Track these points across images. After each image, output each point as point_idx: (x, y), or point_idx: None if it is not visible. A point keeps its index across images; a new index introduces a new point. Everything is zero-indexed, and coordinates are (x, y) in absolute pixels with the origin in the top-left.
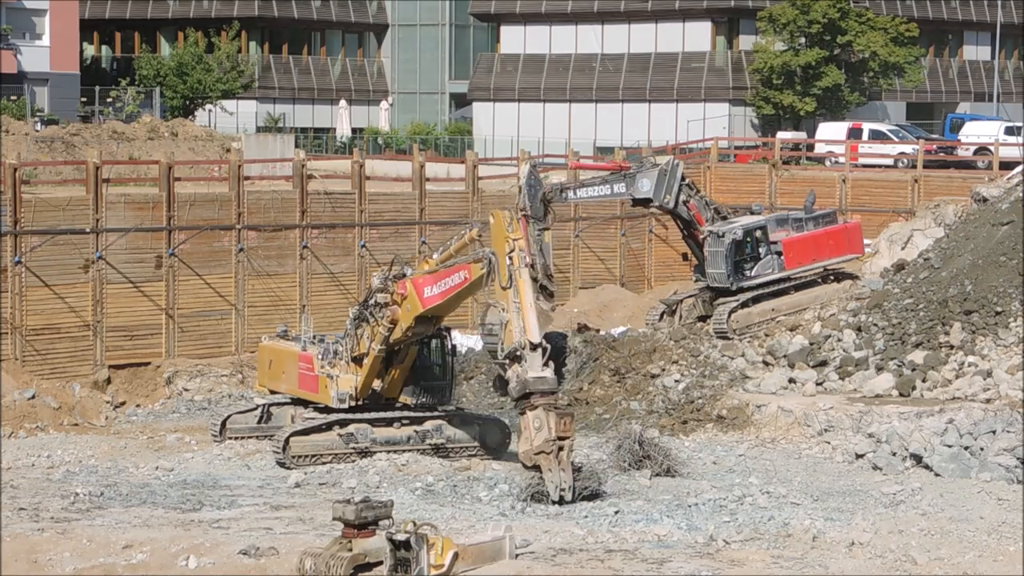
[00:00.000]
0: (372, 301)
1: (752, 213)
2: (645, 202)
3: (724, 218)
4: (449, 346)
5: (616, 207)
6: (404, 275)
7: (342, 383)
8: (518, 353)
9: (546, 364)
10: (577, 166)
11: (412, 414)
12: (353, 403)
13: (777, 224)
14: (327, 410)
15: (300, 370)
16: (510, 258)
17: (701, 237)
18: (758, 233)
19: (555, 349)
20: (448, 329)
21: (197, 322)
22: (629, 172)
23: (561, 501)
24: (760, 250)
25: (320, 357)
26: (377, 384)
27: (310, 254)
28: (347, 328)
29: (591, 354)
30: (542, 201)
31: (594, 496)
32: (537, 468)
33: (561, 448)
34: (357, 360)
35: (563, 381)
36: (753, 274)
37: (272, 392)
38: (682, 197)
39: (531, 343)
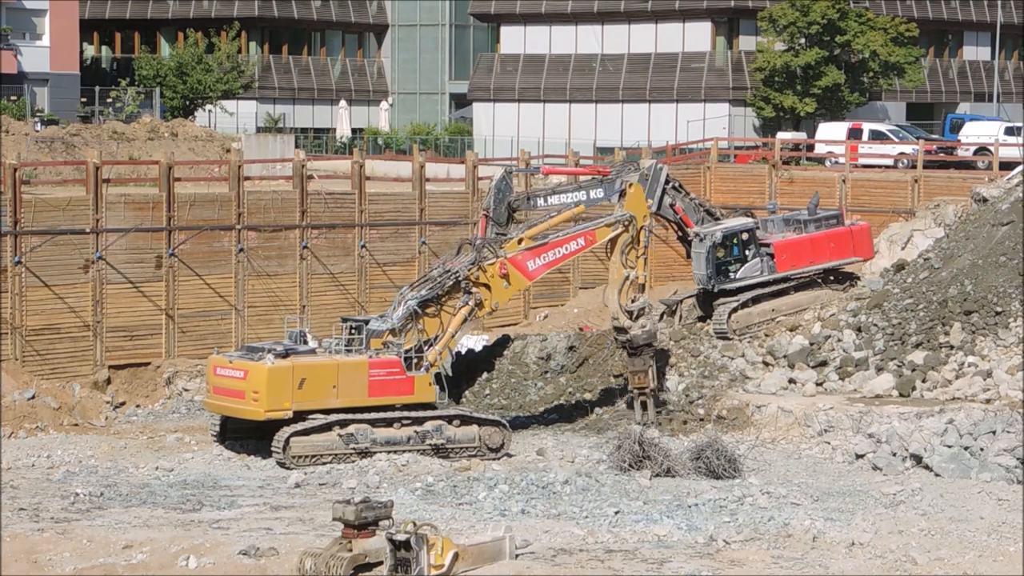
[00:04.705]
0: (448, 286)
1: (771, 212)
2: None
3: (716, 219)
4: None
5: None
6: (497, 256)
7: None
8: (644, 308)
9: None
10: (550, 171)
11: (412, 414)
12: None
13: (785, 225)
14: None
15: (374, 378)
16: (647, 227)
17: (688, 239)
18: (744, 236)
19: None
20: None
21: (197, 322)
22: (607, 177)
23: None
24: (747, 252)
25: (406, 358)
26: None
27: (310, 254)
28: (399, 326)
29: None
30: (507, 208)
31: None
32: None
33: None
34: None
35: (561, 381)
36: (738, 276)
37: (297, 412)
38: (667, 200)
39: (650, 303)
